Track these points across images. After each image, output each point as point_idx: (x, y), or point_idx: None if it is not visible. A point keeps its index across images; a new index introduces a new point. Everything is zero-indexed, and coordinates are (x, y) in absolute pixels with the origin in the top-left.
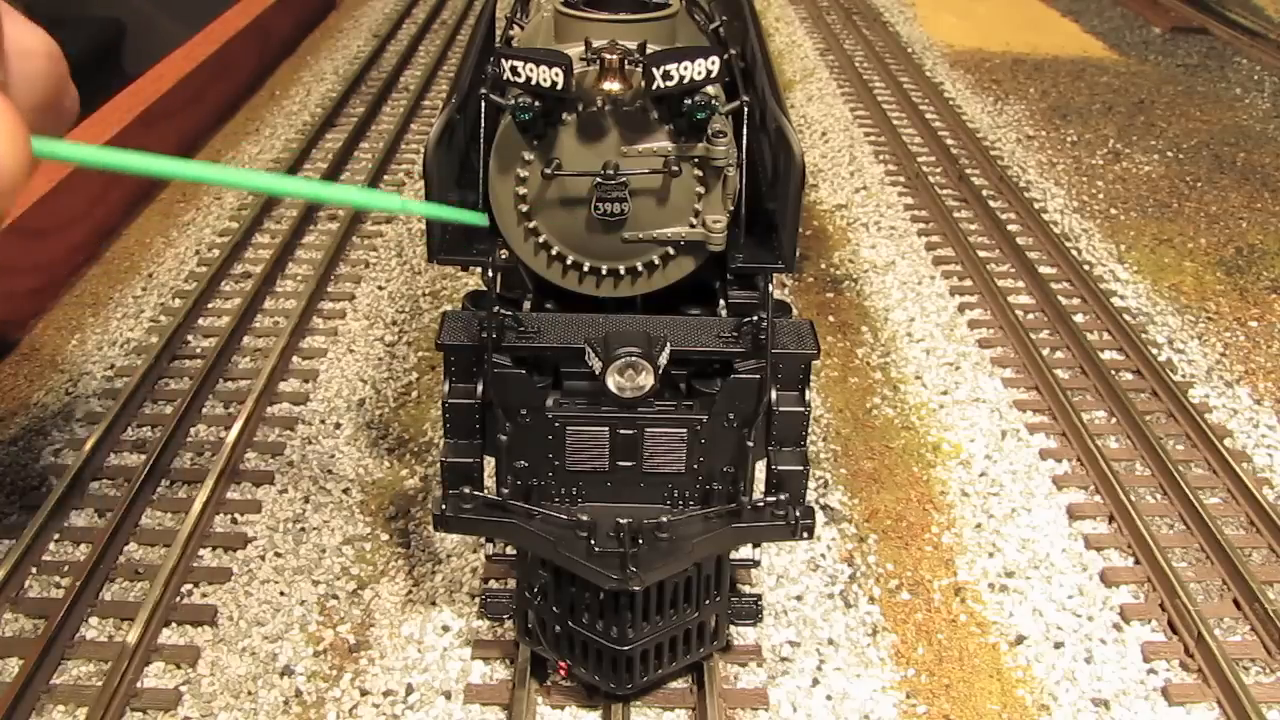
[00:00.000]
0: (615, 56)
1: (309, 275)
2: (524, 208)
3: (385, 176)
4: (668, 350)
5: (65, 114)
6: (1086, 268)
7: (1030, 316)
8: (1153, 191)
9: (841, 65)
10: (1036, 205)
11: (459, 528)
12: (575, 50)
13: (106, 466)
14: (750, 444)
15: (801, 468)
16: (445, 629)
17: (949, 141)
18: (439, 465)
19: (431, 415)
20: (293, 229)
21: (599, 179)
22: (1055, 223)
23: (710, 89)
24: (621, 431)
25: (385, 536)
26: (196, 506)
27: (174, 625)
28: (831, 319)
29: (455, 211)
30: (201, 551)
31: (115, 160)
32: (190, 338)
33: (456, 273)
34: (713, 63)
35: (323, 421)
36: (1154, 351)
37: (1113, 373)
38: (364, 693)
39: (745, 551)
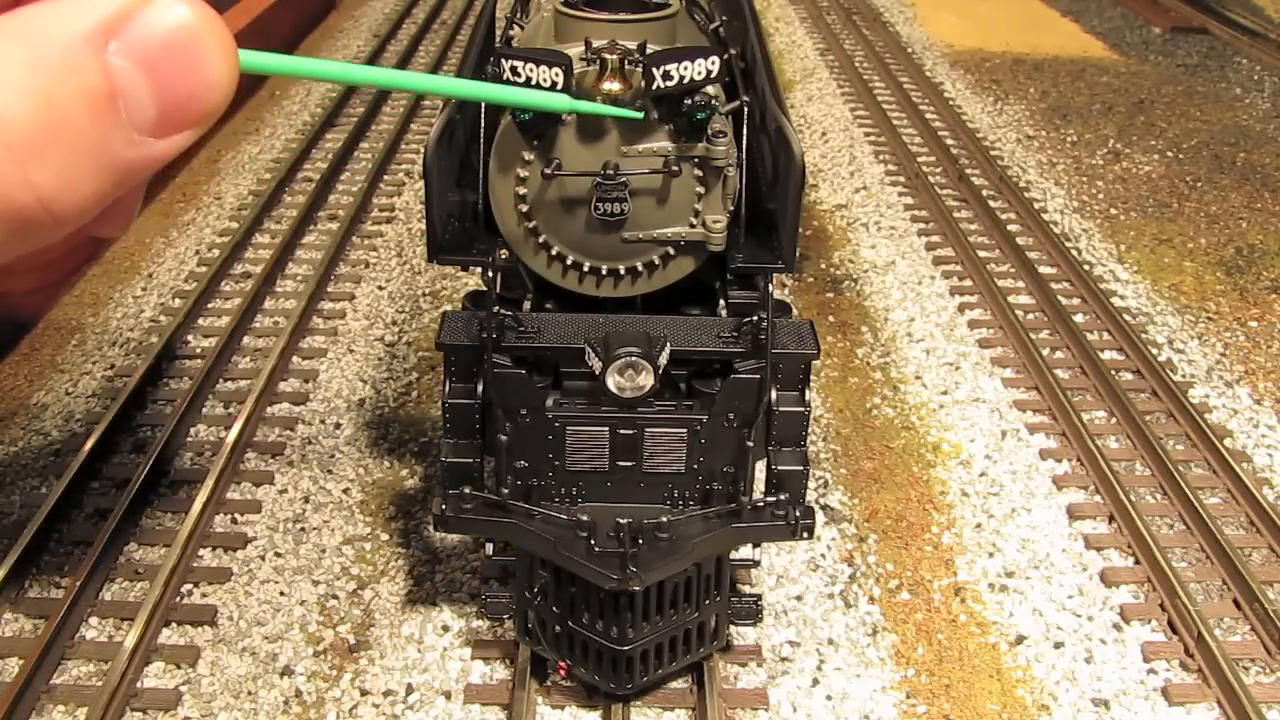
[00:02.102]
0: (615, 56)
1: (309, 275)
2: (524, 208)
3: (385, 176)
4: (668, 350)
5: None
6: (1086, 268)
7: (1030, 316)
8: (1153, 191)
9: (841, 65)
10: (1036, 205)
11: (459, 528)
12: (575, 50)
13: (106, 467)
14: (750, 444)
15: (801, 468)
16: (445, 629)
17: (949, 141)
18: (439, 465)
19: (431, 415)
20: (293, 229)
21: (599, 179)
22: (1055, 223)
23: (710, 89)
24: (621, 431)
25: (385, 536)
26: (196, 506)
27: (174, 625)
28: (831, 319)
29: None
30: (201, 551)
31: (320, 70)
32: (190, 338)
33: (456, 273)
34: (713, 63)
35: (323, 421)
36: (1154, 351)
37: (1113, 373)
38: (364, 693)
39: (745, 551)
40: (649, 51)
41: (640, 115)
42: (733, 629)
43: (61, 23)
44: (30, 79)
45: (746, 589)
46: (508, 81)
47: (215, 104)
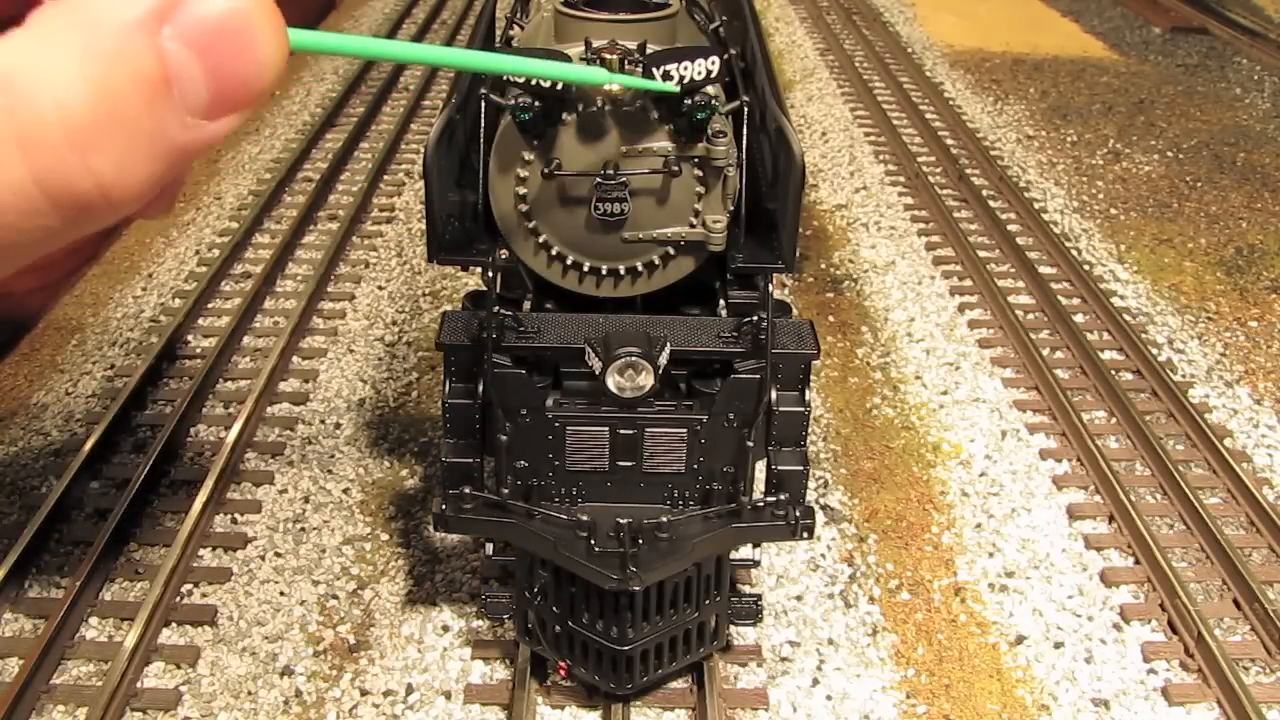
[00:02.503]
0: (615, 56)
1: (309, 275)
2: (524, 208)
3: (385, 177)
4: (668, 350)
5: None
6: (1086, 268)
7: (1030, 316)
8: (1153, 191)
9: (841, 65)
10: (1036, 205)
11: (459, 528)
12: (575, 50)
13: (106, 467)
14: (750, 444)
15: (801, 468)
16: (445, 629)
17: (949, 141)
18: (439, 465)
19: (431, 415)
20: (293, 229)
21: (599, 179)
22: (1055, 223)
23: (710, 89)
24: (621, 431)
25: (385, 536)
26: (196, 506)
27: (174, 625)
28: (831, 319)
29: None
30: (201, 551)
31: (372, 49)
32: (190, 338)
33: (456, 273)
34: (713, 63)
35: (323, 421)
36: (1154, 351)
37: (1113, 373)
38: (364, 693)
39: (745, 551)
40: (649, 51)
41: (676, 89)
42: (733, 629)
43: (114, 9)
44: (88, 68)
45: (746, 589)
46: (507, 82)
47: (266, 84)
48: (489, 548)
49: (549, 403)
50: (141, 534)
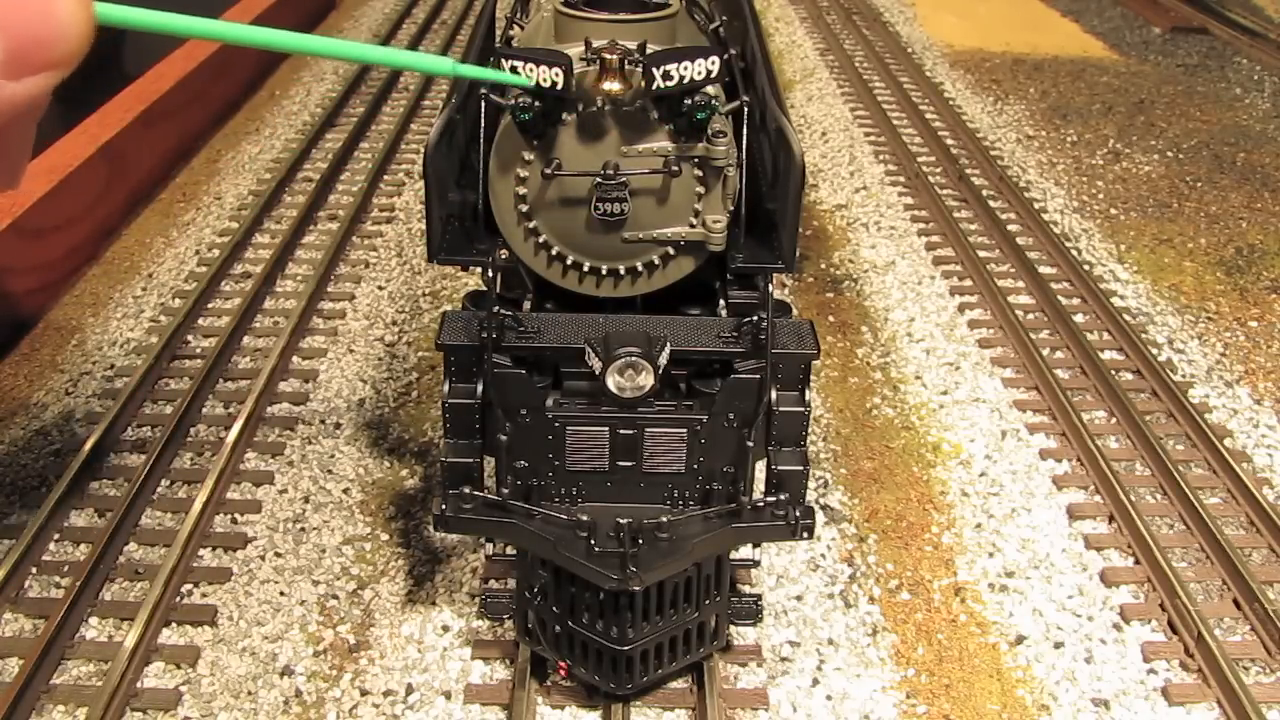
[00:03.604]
0: (615, 56)
1: (309, 275)
2: (524, 208)
3: (385, 177)
4: (668, 350)
5: None
6: (1086, 268)
7: (1030, 316)
8: (1153, 191)
9: (841, 65)
10: (1036, 205)
11: (459, 528)
12: (575, 50)
13: (106, 466)
14: (750, 444)
15: (801, 468)
16: (445, 629)
17: (949, 141)
18: (439, 465)
19: (431, 415)
20: (293, 229)
21: (599, 179)
22: (1055, 223)
23: (710, 89)
24: (621, 431)
25: (385, 536)
26: (196, 506)
27: (174, 625)
28: (831, 319)
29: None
30: (201, 551)
31: (178, 25)
32: (190, 338)
33: (456, 273)
34: (713, 63)
35: (323, 421)
36: (1154, 351)
37: (1113, 373)
38: (364, 693)
39: (745, 551)
40: (649, 51)
41: (529, 81)
42: (733, 629)
43: None
44: None
45: (746, 589)
46: None
47: (69, 48)
48: (489, 548)
49: (549, 403)
50: (141, 534)
